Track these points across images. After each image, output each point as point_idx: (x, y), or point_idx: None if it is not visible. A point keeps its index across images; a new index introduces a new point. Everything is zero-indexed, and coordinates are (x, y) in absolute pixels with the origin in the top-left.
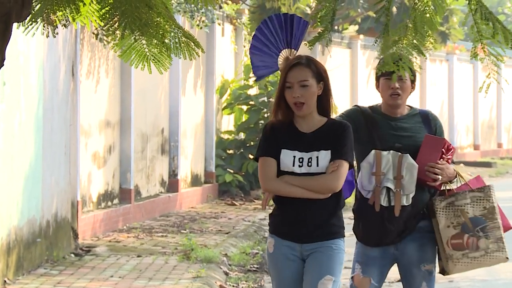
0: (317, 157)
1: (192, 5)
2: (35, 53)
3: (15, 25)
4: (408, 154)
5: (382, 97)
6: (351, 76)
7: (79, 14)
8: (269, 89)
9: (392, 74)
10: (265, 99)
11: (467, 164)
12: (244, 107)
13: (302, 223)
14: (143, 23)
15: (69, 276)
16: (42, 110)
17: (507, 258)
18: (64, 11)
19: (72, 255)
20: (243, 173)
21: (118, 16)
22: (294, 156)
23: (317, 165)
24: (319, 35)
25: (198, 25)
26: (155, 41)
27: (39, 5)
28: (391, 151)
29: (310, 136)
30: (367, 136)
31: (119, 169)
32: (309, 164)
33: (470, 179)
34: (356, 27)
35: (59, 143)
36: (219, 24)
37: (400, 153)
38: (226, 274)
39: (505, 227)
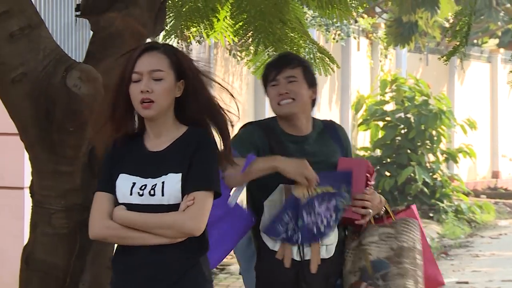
0: (163, 183)
1: (328, 19)
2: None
3: (148, 40)
4: None
5: (273, 109)
6: (491, 91)
7: (213, 30)
8: (406, 104)
9: (279, 75)
10: (402, 115)
11: None
12: (380, 123)
13: (148, 280)
14: (276, 38)
15: None
16: None
17: None
18: (198, 27)
19: None
20: (380, 191)
21: (251, 32)
22: (134, 183)
23: (162, 194)
24: (454, 49)
25: (333, 39)
26: None
27: (173, 21)
28: None
29: (159, 156)
30: None
31: None
32: (152, 192)
33: (401, 210)
34: (496, 40)
35: None
36: (354, 38)
37: None
38: None
39: (433, 282)
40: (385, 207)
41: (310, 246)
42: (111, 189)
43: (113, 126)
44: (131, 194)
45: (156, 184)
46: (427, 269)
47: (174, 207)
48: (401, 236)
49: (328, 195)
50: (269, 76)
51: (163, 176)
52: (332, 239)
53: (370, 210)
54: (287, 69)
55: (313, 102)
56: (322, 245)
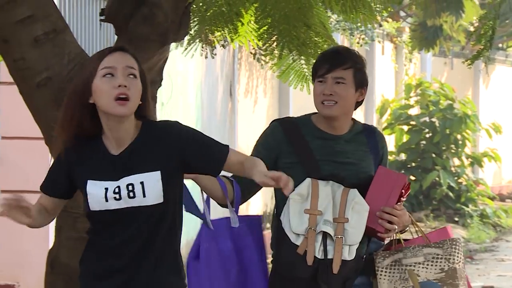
0: (142, 182)
1: (352, 24)
2: (193, 73)
3: (172, 45)
4: (356, 190)
5: (315, 105)
6: None
7: (237, 34)
8: (431, 108)
9: (328, 74)
10: (427, 119)
11: None
12: (405, 127)
13: (123, 279)
14: (301, 42)
15: None
16: (201, 130)
17: None
18: (222, 31)
19: None
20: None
21: (276, 36)
22: (106, 188)
23: (144, 195)
24: (478, 53)
25: (357, 43)
26: (314, 61)
27: (197, 25)
28: (331, 182)
29: (124, 156)
30: (292, 161)
31: None
32: (131, 195)
33: (431, 230)
34: None
35: None
36: (379, 42)
37: (343, 186)
38: None
39: None
40: (415, 225)
41: (333, 244)
42: (50, 192)
43: (69, 129)
44: (107, 200)
45: (132, 185)
46: None
47: (157, 207)
48: (452, 258)
49: None
50: (318, 70)
51: (137, 175)
52: (355, 239)
53: (396, 226)
54: (338, 69)
55: (359, 103)
56: (345, 245)
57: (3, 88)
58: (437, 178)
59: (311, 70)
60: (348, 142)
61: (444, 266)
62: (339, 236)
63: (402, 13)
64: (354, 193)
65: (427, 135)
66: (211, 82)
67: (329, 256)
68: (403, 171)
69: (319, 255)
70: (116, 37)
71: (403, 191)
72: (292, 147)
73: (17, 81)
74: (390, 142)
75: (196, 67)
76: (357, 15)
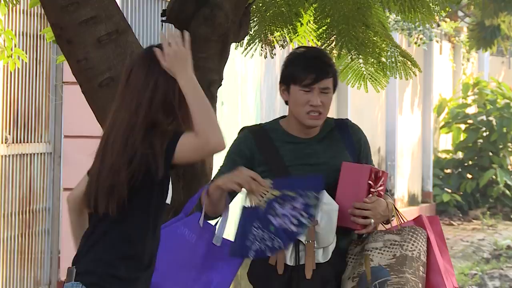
0: None
1: (410, 23)
2: (253, 74)
3: (232, 45)
4: (324, 191)
5: (295, 112)
6: None
7: (296, 34)
8: (488, 107)
9: (315, 84)
10: (484, 117)
11: None
12: (462, 126)
13: None
14: (359, 42)
15: None
16: None
17: None
18: (281, 32)
19: None
20: (461, 193)
21: (335, 36)
22: None
23: None
24: None
25: (415, 43)
26: (372, 60)
27: (257, 26)
28: None
29: None
30: (263, 169)
31: None
32: None
33: (411, 219)
34: None
35: None
36: (437, 42)
37: None
38: None
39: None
40: (395, 212)
41: (305, 250)
42: None
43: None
44: None
45: None
46: (431, 280)
47: None
48: (406, 245)
49: (289, 196)
50: (304, 79)
51: None
52: (327, 241)
53: (371, 220)
54: (325, 80)
55: None
56: (318, 247)
57: (66, 87)
58: (494, 177)
59: (368, 69)
60: (321, 142)
61: (397, 252)
62: (310, 241)
63: (460, 13)
64: (322, 194)
65: (484, 134)
66: (270, 82)
67: (302, 262)
68: (460, 169)
69: (291, 263)
70: None
71: (370, 182)
72: (262, 155)
73: (80, 81)
74: (448, 140)
75: (256, 67)
76: (415, 15)
